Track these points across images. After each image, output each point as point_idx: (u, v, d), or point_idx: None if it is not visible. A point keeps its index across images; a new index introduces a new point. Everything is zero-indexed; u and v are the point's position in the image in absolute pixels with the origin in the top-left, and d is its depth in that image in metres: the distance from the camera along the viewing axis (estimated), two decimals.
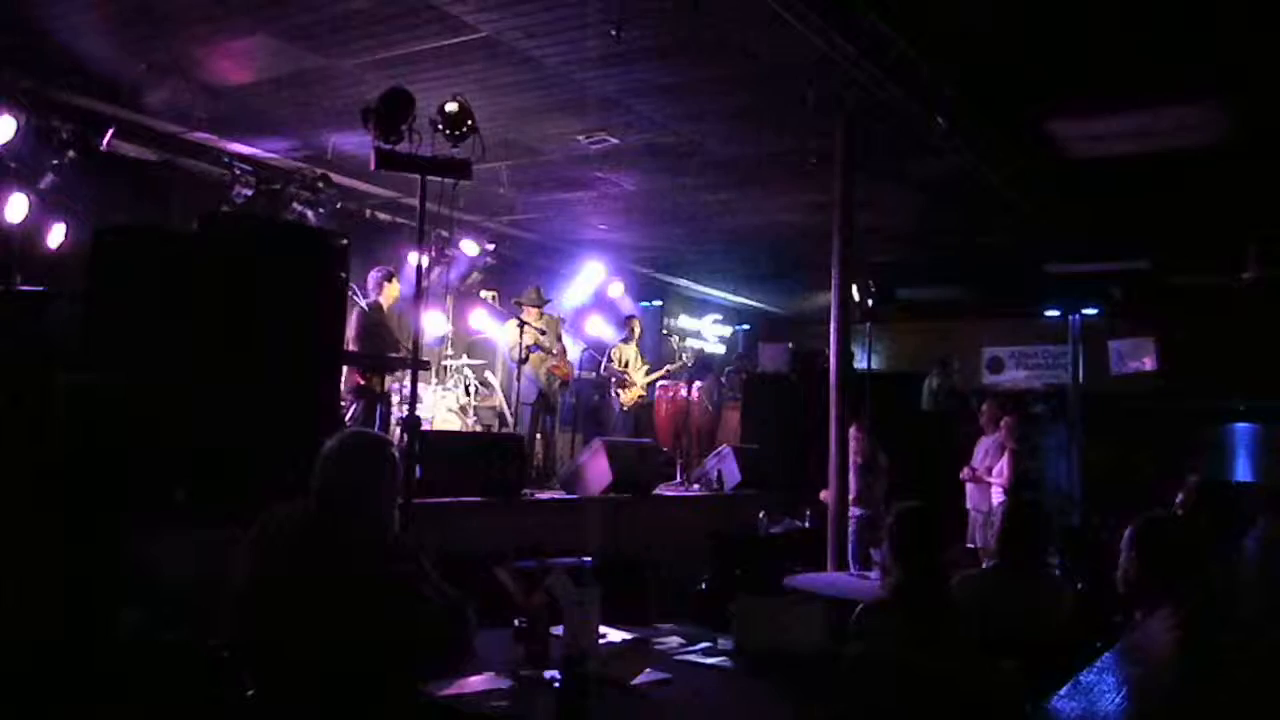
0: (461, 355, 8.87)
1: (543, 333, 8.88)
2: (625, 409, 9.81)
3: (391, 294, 7.56)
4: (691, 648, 3.19)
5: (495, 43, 6.00)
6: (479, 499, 6.07)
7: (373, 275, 7.53)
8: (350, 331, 7.26)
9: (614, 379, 9.83)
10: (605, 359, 9.86)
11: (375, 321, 7.31)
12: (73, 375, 4.50)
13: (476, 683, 2.66)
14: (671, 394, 10.70)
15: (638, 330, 10.23)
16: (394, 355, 7.07)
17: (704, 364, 12.94)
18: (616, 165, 8.48)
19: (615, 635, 3.20)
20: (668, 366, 10.43)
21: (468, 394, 8.51)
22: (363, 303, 7.30)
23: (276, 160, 8.37)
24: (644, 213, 10.11)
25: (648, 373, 10.03)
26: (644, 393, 9.95)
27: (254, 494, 3.29)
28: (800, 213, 9.41)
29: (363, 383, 6.98)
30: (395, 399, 7.41)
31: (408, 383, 6.11)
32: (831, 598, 4.60)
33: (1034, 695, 2.40)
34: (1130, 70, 6.19)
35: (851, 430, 7.22)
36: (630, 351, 10.05)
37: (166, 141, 7.74)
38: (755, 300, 14.75)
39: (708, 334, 14.26)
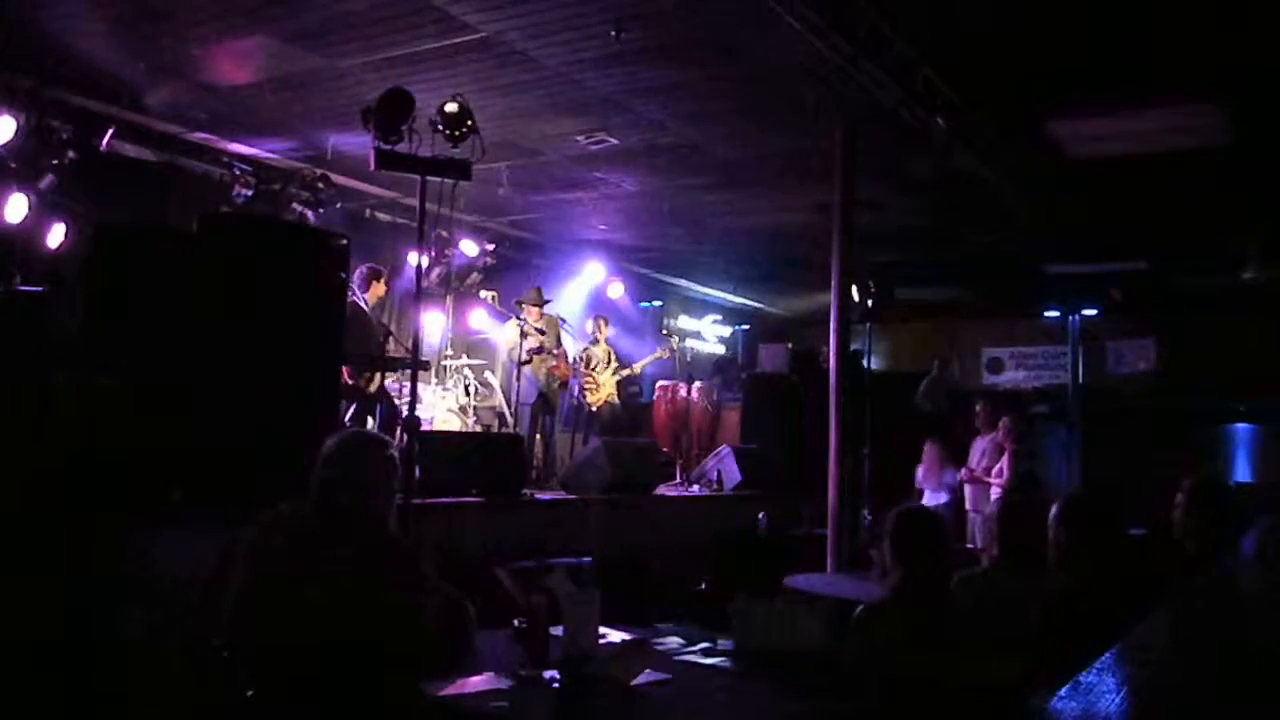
0: (461, 355, 8.87)
1: (542, 333, 8.87)
2: (594, 409, 9.70)
3: (376, 293, 7.53)
4: (691, 648, 3.19)
5: (495, 43, 6.00)
6: (479, 499, 6.07)
7: (359, 271, 7.36)
8: None
9: (578, 381, 9.68)
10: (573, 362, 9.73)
11: (354, 319, 7.19)
12: (73, 375, 4.50)
13: (476, 683, 2.66)
14: (671, 394, 10.68)
15: (604, 331, 10.11)
16: (391, 356, 7.06)
17: (705, 364, 12.93)
18: (616, 165, 8.48)
19: (615, 635, 3.20)
20: (632, 366, 10.28)
21: (468, 394, 8.51)
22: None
23: (276, 160, 8.37)
24: (644, 213, 10.10)
25: (616, 370, 9.91)
26: (613, 393, 9.82)
27: (254, 494, 3.29)
28: (800, 213, 9.40)
29: (350, 382, 6.82)
30: (394, 399, 7.40)
31: (407, 383, 6.11)
32: (831, 597, 4.60)
33: (1034, 695, 2.40)
34: (1130, 70, 6.18)
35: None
36: (598, 352, 9.93)
37: (166, 141, 7.74)
38: (755, 300, 14.75)
39: (708, 334, 14.25)
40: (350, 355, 6.80)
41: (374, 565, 2.89)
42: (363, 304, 7.34)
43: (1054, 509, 3.40)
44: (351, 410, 6.97)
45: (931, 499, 8.81)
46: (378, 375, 7.08)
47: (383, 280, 7.62)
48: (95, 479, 4.13)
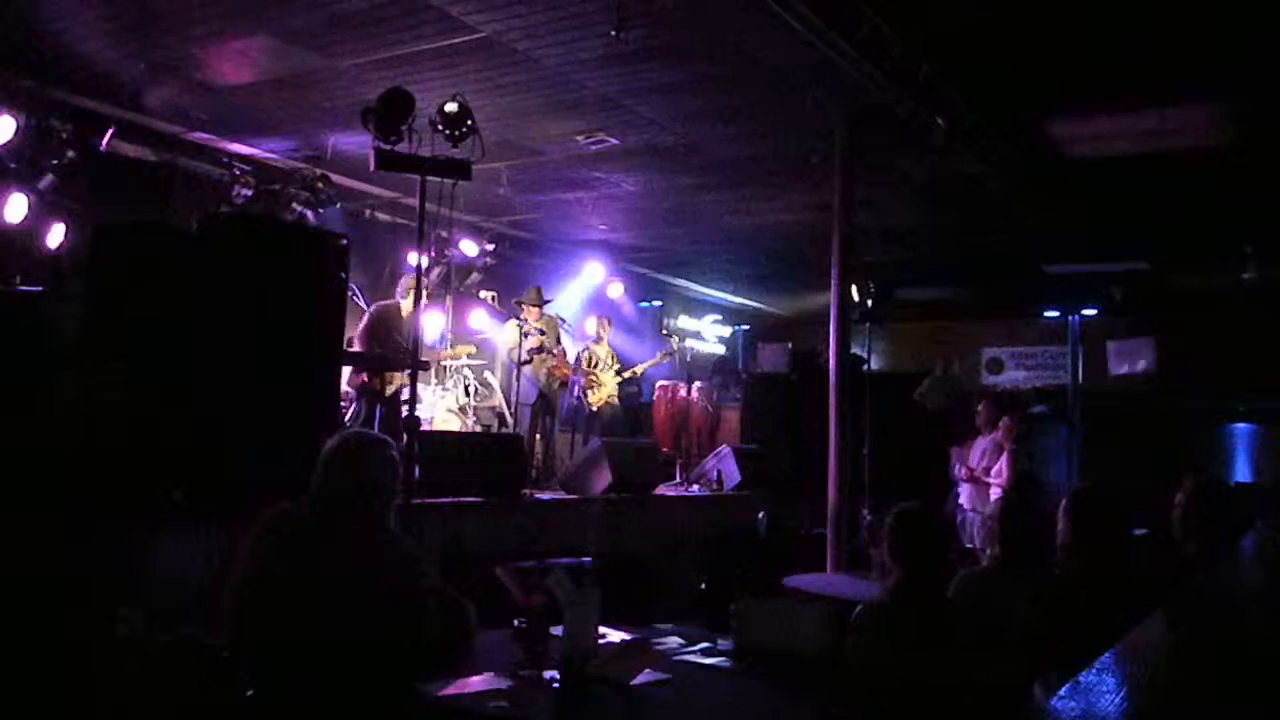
0: (461, 356, 8.87)
1: (542, 333, 8.86)
2: (594, 409, 9.68)
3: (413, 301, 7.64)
4: (691, 648, 3.19)
5: (495, 43, 6.00)
6: (479, 499, 6.07)
7: (402, 280, 7.81)
8: (359, 329, 7.32)
9: (579, 380, 9.65)
10: (575, 360, 9.71)
11: (385, 322, 7.36)
12: (73, 375, 4.50)
13: (476, 683, 2.66)
14: (671, 394, 10.67)
15: (607, 331, 10.09)
16: (393, 355, 7.08)
17: (705, 364, 12.92)
18: (616, 165, 8.48)
19: (615, 635, 3.20)
20: (636, 368, 10.27)
21: (467, 394, 8.51)
22: (373, 304, 7.36)
23: (276, 160, 8.37)
24: (644, 213, 10.10)
25: (618, 372, 9.90)
26: (613, 393, 9.80)
27: (254, 494, 3.29)
28: (800, 213, 9.41)
29: (367, 381, 7.04)
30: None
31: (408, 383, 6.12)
32: (831, 597, 4.60)
33: (1033, 695, 2.40)
34: (1130, 71, 6.19)
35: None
36: (601, 352, 9.91)
37: (166, 141, 7.74)
38: (755, 300, 14.76)
39: (708, 334, 14.25)
40: (372, 355, 6.94)
41: (374, 565, 2.89)
42: (400, 310, 7.57)
43: (1063, 503, 3.41)
44: (353, 410, 6.99)
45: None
46: (396, 377, 7.14)
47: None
48: (95, 479, 4.13)
